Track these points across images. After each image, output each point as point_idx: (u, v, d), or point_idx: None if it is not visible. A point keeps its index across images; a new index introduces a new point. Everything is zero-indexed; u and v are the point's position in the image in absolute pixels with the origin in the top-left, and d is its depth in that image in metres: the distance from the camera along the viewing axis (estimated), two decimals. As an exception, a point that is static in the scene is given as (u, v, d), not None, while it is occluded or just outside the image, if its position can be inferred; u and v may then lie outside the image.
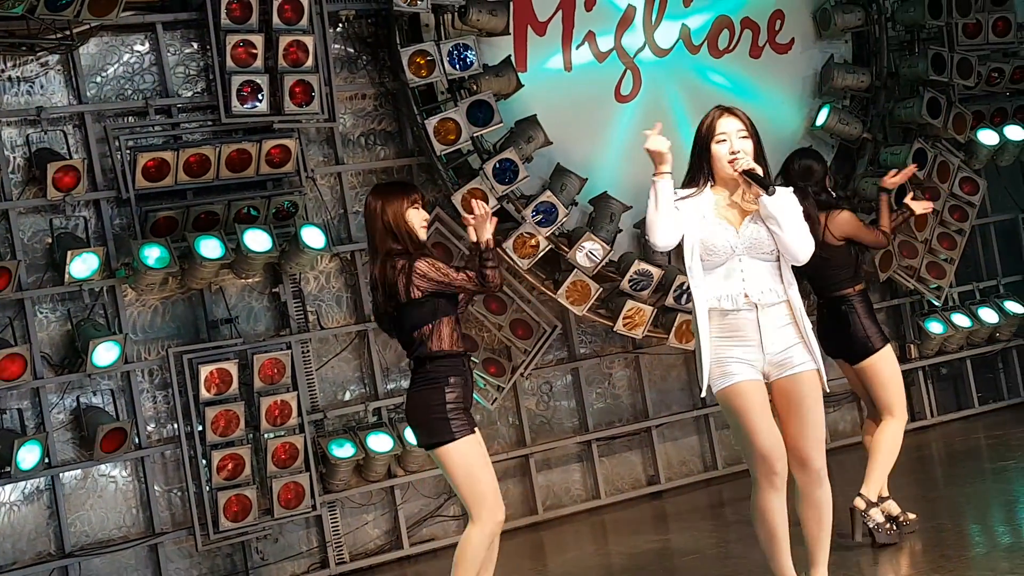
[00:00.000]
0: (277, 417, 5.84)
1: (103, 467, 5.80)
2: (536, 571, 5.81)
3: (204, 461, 5.78)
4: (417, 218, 4.24)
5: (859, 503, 5.05)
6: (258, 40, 5.91)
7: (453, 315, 4.19)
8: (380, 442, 6.09)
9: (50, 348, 5.72)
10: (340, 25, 6.46)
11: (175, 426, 5.85)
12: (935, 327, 7.61)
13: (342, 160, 6.41)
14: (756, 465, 3.91)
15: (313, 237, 5.89)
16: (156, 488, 5.88)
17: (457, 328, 4.19)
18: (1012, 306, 7.86)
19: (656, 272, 6.59)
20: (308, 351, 6.19)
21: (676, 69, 7.09)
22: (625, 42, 6.96)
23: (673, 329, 6.67)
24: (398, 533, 6.34)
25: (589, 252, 6.44)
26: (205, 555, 5.95)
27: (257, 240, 5.77)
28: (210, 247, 5.70)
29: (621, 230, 6.72)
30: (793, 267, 4.01)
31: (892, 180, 5.43)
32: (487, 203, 4.49)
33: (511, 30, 6.51)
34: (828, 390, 4.31)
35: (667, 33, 7.07)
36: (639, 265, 6.57)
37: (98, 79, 5.93)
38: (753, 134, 3.98)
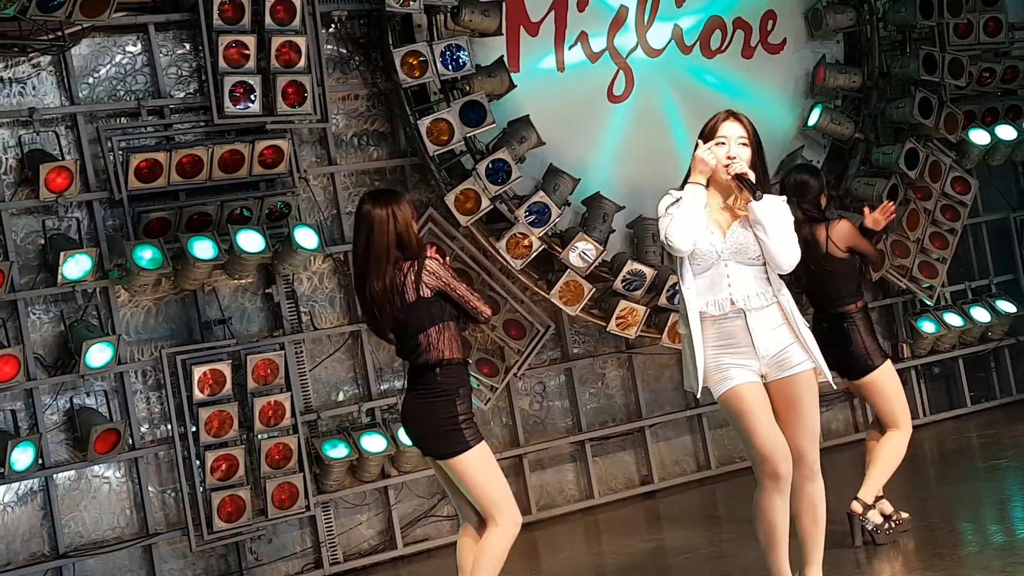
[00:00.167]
0: (271, 418, 5.88)
1: (97, 468, 5.83)
2: (530, 571, 5.84)
3: (198, 462, 5.82)
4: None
5: (856, 507, 5.09)
6: (250, 41, 5.94)
7: (456, 321, 4.18)
8: (373, 442, 6.13)
9: (43, 349, 5.75)
10: (332, 26, 6.49)
11: (169, 427, 5.89)
12: (927, 326, 7.66)
13: (335, 161, 6.44)
14: (758, 466, 3.95)
15: (306, 238, 5.93)
16: (150, 489, 5.91)
17: (460, 335, 4.20)
18: (1004, 305, 7.91)
19: (649, 272, 6.64)
20: (301, 352, 6.23)
21: (668, 69, 7.15)
22: (618, 42, 7.02)
23: (666, 329, 6.72)
24: (392, 533, 6.38)
25: (582, 252, 6.49)
26: (199, 556, 5.99)
27: (250, 241, 5.80)
28: (203, 248, 5.72)
29: (614, 230, 6.77)
30: (794, 283, 4.08)
31: (873, 220, 5.39)
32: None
33: (503, 30, 6.56)
34: (835, 386, 4.37)
35: (659, 33, 7.12)
36: (632, 265, 6.62)
37: (90, 80, 5.96)
38: (754, 143, 4.02)
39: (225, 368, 5.80)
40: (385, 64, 6.47)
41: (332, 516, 6.24)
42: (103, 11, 5.52)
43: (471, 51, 6.37)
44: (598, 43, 6.98)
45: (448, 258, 4.46)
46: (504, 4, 6.55)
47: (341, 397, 6.43)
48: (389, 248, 4.11)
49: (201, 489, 5.83)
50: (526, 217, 6.42)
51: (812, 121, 7.44)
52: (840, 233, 5.15)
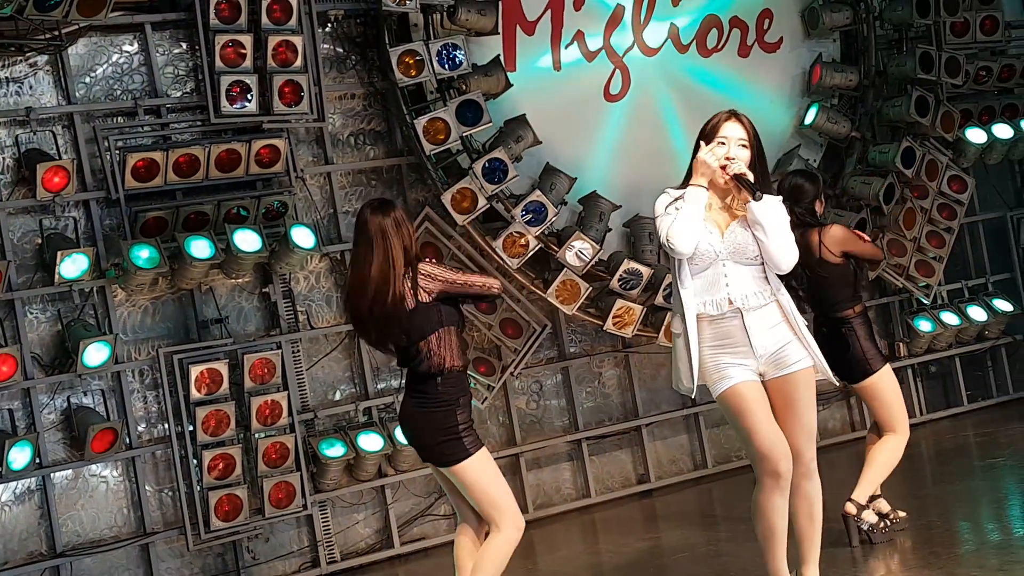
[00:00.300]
0: (268, 417, 5.92)
1: (94, 467, 5.88)
2: (526, 569, 5.87)
3: (195, 461, 5.86)
4: None
5: (850, 508, 5.12)
6: (247, 40, 5.99)
7: (457, 326, 4.20)
8: (370, 441, 6.18)
9: (40, 348, 5.80)
10: (329, 25, 6.54)
11: (166, 426, 5.93)
12: (924, 325, 7.71)
13: (331, 160, 6.49)
14: (758, 464, 3.99)
15: (303, 237, 5.98)
16: (147, 488, 5.96)
17: (461, 343, 4.22)
18: (1001, 304, 7.96)
19: (646, 271, 6.68)
20: (298, 351, 6.27)
21: (665, 68, 7.20)
22: (614, 41, 7.06)
23: (663, 328, 6.75)
24: (389, 532, 6.43)
25: (579, 251, 6.53)
26: (196, 555, 6.03)
27: (247, 240, 5.85)
28: (200, 247, 5.77)
29: (611, 229, 6.81)
30: (793, 288, 4.10)
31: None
32: None
33: (500, 29, 6.60)
34: (837, 383, 4.40)
35: (656, 32, 7.17)
36: (628, 264, 6.66)
37: (87, 79, 6.01)
38: (754, 145, 4.05)
39: (222, 367, 5.84)
40: (381, 63, 6.52)
41: (329, 515, 6.29)
42: (100, 10, 5.57)
43: (467, 50, 6.42)
44: (594, 42, 7.03)
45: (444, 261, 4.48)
46: (500, 3, 6.59)
47: (338, 396, 6.49)
48: (402, 258, 4.11)
49: (198, 488, 5.87)
50: (523, 216, 6.47)
51: (809, 120, 7.49)
52: (833, 238, 5.15)
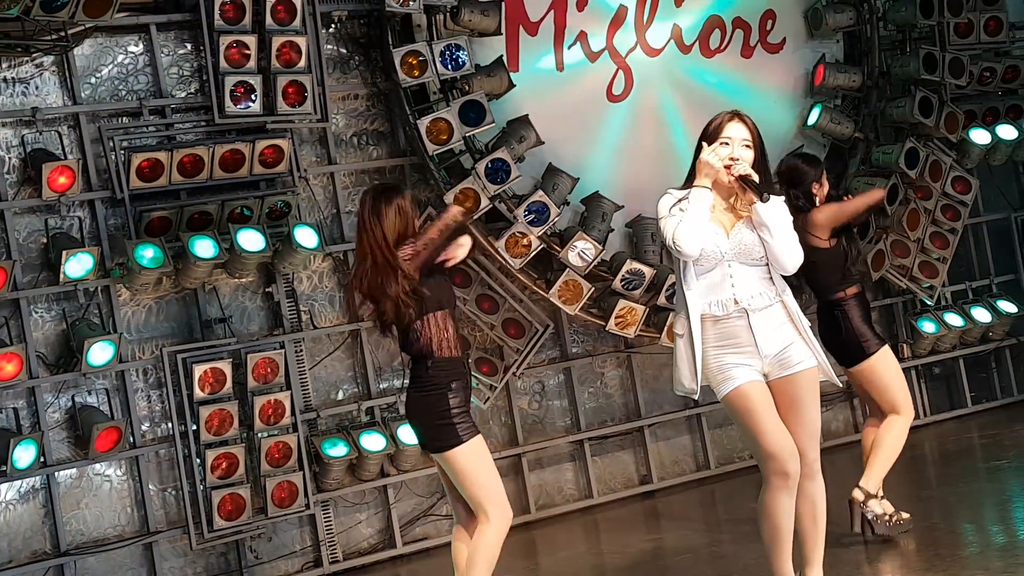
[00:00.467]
0: (271, 416, 6.00)
1: (98, 466, 5.96)
2: (528, 570, 5.94)
3: (198, 460, 5.94)
4: None
5: (857, 494, 5.18)
6: (251, 41, 6.07)
7: (448, 309, 4.31)
8: (373, 441, 6.24)
9: (45, 347, 5.89)
10: (333, 26, 6.62)
11: (169, 425, 6.02)
12: (928, 326, 7.74)
13: (335, 160, 6.57)
14: (766, 464, 4.01)
15: (306, 237, 6.06)
16: (151, 487, 6.04)
17: (455, 329, 4.32)
18: (1005, 305, 7.99)
19: (648, 271, 6.74)
20: (301, 350, 6.35)
21: (668, 69, 7.27)
22: (617, 42, 7.13)
23: (665, 328, 6.79)
24: (391, 532, 6.50)
25: (581, 251, 6.59)
26: (199, 554, 6.11)
27: (250, 240, 5.92)
28: (204, 247, 5.85)
29: (613, 229, 6.88)
30: (794, 287, 4.13)
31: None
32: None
33: (503, 30, 6.67)
34: (840, 384, 4.43)
35: (659, 33, 7.24)
36: (631, 264, 6.73)
37: (92, 80, 6.11)
38: (757, 145, 4.10)
39: (225, 367, 5.92)
40: (385, 64, 6.60)
41: (332, 515, 6.36)
42: (105, 11, 5.67)
43: (470, 51, 6.49)
44: (597, 42, 7.09)
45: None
46: (503, 4, 6.66)
47: (340, 396, 6.56)
48: (384, 245, 4.24)
49: (201, 487, 5.95)
50: (525, 216, 6.54)
51: (812, 120, 7.52)
52: (815, 223, 5.16)
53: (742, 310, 4.01)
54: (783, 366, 4.05)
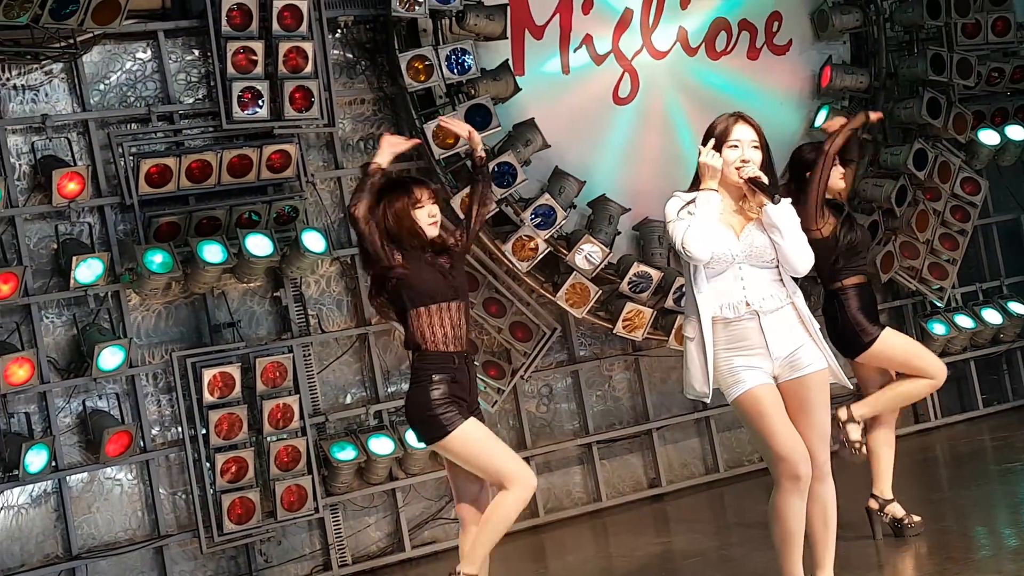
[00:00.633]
0: (279, 420, 6.08)
1: (109, 470, 6.05)
2: (537, 573, 6.00)
3: (208, 464, 6.02)
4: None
5: (872, 505, 5.31)
6: (258, 47, 6.15)
7: (425, 306, 4.35)
8: (381, 445, 6.33)
9: (56, 353, 5.98)
10: (339, 31, 6.71)
11: (179, 429, 6.11)
12: (938, 328, 7.75)
13: (342, 165, 6.65)
14: (777, 467, 4.04)
15: (314, 241, 6.14)
16: (161, 491, 6.13)
17: (453, 325, 4.38)
18: (1016, 307, 8.02)
19: (655, 274, 6.82)
20: (309, 354, 6.43)
21: (674, 71, 7.34)
22: (623, 45, 7.20)
23: (673, 331, 6.87)
24: (400, 535, 6.57)
25: (588, 254, 6.66)
26: (210, 557, 6.19)
27: (258, 245, 6.02)
28: (212, 252, 5.93)
29: (620, 232, 6.95)
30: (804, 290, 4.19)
31: (828, 126, 5.39)
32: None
33: (508, 34, 6.74)
34: (851, 386, 4.46)
35: (664, 35, 7.31)
36: (638, 267, 6.79)
37: (101, 87, 6.21)
38: (764, 147, 4.12)
39: (234, 371, 6.01)
40: (391, 68, 6.68)
41: (340, 518, 6.43)
42: (114, 19, 5.77)
43: (476, 55, 6.56)
44: (603, 45, 7.17)
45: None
46: (509, 7, 6.73)
47: (349, 400, 6.64)
48: (376, 244, 4.42)
49: (211, 491, 6.02)
50: (532, 220, 6.61)
51: (819, 122, 7.54)
52: (807, 214, 4.98)
53: (753, 312, 4.05)
54: (793, 368, 4.09)
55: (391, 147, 4.52)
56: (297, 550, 6.42)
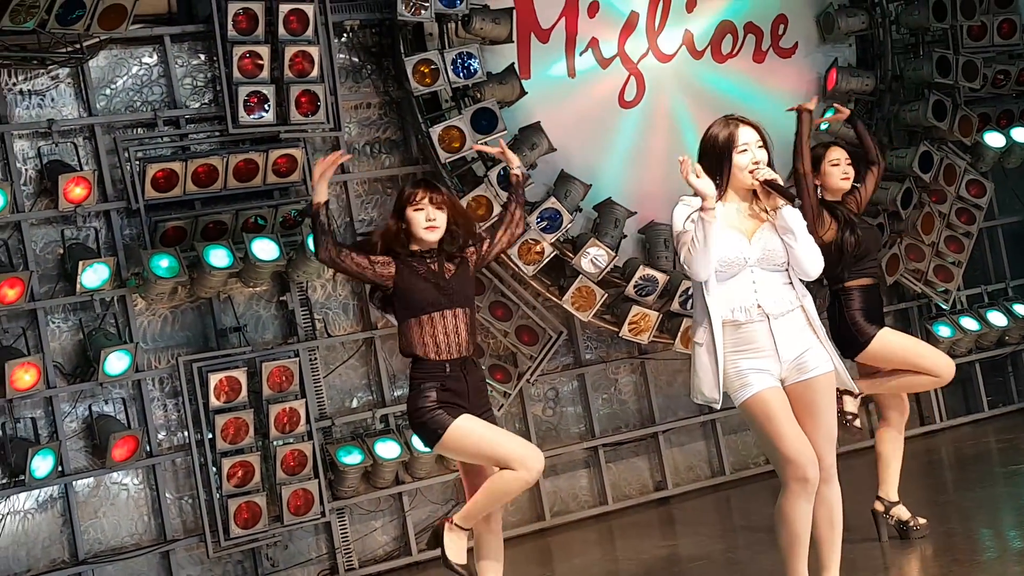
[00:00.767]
0: (286, 424, 6.11)
1: (115, 475, 6.07)
2: None
3: (214, 468, 6.04)
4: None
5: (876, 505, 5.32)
6: (264, 51, 6.17)
7: (416, 317, 4.36)
8: (388, 449, 6.34)
9: (62, 357, 6.00)
10: (345, 35, 6.72)
11: (185, 434, 6.13)
12: (943, 331, 7.77)
13: (348, 169, 6.66)
14: (785, 470, 4.04)
15: (320, 245, 6.23)
16: (167, 495, 6.15)
17: (431, 332, 4.37)
18: (1021, 309, 8.03)
19: (661, 277, 6.83)
20: (316, 359, 6.44)
21: (679, 74, 7.35)
22: (628, 48, 7.22)
23: (679, 334, 6.89)
24: (407, 539, 6.59)
25: (594, 258, 6.68)
26: (216, 562, 6.21)
27: (265, 249, 6.04)
28: (218, 256, 5.95)
29: (626, 235, 6.96)
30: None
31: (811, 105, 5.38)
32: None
33: (514, 38, 6.77)
34: (858, 390, 4.48)
35: (670, 38, 7.33)
36: (644, 270, 6.81)
37: (108, 91, 6.23)
38: (767, 145, 4.15)
39: (240, 375, 6.02)
40: (397, 73, 6.70)
41: (347, 522, 6.45)
42: (120, 23, 5.79)
43: (482, 59, 6.58)
44: (609, 49, 7.18)
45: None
46: (515, 11, 6.76)
47: (355, 404, 6.66)
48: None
49: (218, 495, 6.04)
50: (538, 223, 6.62)
51: (824, 125, 7.60)
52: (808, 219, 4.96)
53: (764, 315, 4.06)
54: (800, 371, 4.10)
55: (320, 178, 4.48)
56: (304, 554, 6.44)
